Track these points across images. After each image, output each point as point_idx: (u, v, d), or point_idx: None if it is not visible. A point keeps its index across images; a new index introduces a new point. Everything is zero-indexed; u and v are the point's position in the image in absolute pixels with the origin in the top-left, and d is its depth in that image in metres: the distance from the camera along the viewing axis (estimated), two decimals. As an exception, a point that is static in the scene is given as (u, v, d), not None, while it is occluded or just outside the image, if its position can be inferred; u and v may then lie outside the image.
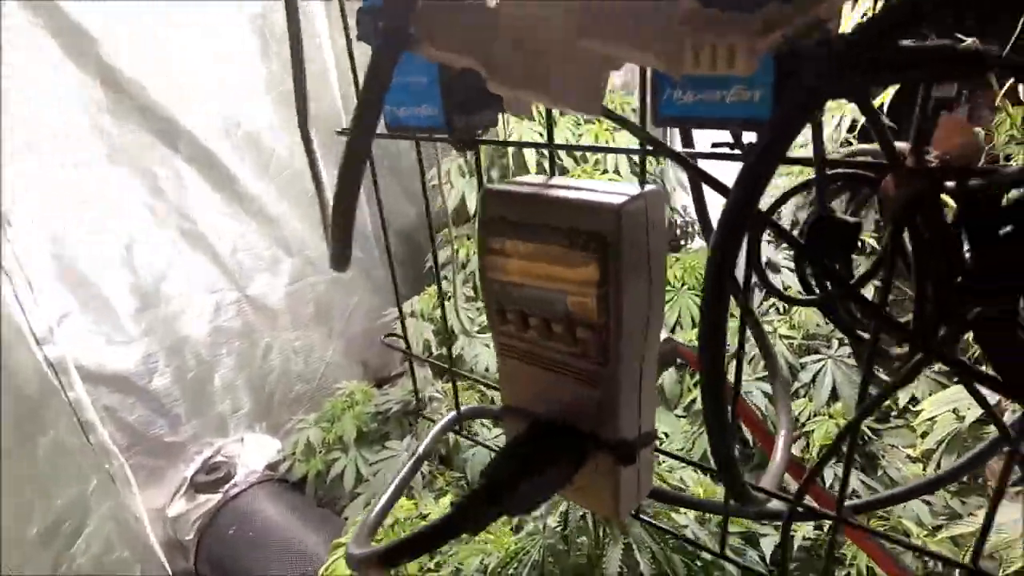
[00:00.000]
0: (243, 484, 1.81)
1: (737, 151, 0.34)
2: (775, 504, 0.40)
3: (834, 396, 1.54)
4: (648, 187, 0.36)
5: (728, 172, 0.30)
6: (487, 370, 1.94)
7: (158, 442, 1.79)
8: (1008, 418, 0.44)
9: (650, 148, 0.37)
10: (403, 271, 2.54)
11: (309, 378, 2.22)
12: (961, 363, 0.27)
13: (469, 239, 2.29)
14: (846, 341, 1.62)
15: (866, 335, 0.35)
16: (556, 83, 0.29)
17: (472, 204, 2.21)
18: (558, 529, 0.93)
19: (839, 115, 1.51)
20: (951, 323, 0.29)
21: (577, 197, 0.35)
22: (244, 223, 1.94)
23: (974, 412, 1.10)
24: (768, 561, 1.17)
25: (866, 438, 1.42)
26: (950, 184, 0.29)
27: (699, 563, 0.97)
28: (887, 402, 1.56)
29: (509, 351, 0.40)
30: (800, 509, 0.38)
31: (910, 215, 0.29)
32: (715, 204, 0.33)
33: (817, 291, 0.36)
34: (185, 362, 1.84)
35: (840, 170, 0.32)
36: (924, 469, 1.28)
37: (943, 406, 1.17)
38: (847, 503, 0.38)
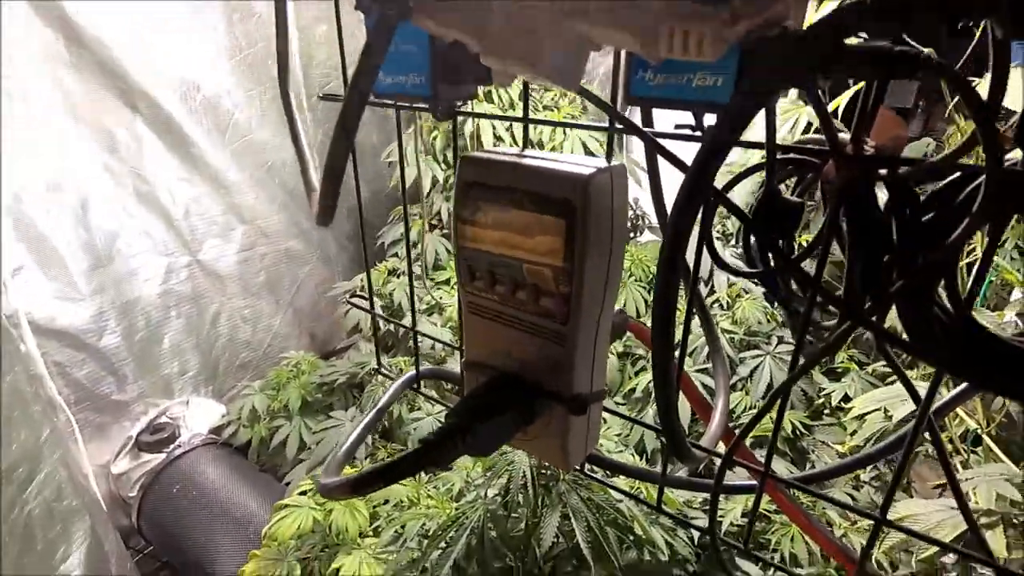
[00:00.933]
0: (187, 446, 1.80)
1: (698, 132, 0.37)
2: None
3: (770, 391, 1.63)
4: (614, 163, 0.39)
5: (688, 153, 0.33)
6: (433, 348, 1.96)
7: (105, 400, 1.77)
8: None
9: (618, 126, 0.40)
10: (355, 247, 2.52)
11: (256, 346, 2.19)
12: (881, 329, 0.32)
13: (421, 218, 2.29)
14: (785, 339, 1.71)
15: (802, 308, 0.40)
16: (545, 59, 0.32)
17: (427, 183, 2.21)
18: (498, 496, 0.97)
19: (795, 116, 1.60)
20: (877, 295, 0.33)
21: (548, 167, 0.38)
22: (198, 188, 1.91)
23: (904, 410, 1.19)
24: (696, 543, 1.24)
25: (798, 433, 1.52)
26: (883, 171, 0.33)
27: (631, 536, 1.03)
28: (820, 400, 1.67)
29: (475, 308, 0.43)
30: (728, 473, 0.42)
31: (846, 197, 0.33)
32: (670, 191, 0.36)
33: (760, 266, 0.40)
34: (135, 322, 1.81)
35: (789, 155, 0.35)
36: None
37: (872, 404, 1.26)
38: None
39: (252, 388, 1.87)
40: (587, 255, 0.36)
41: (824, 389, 1.64)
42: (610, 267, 0.38)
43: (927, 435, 0.37)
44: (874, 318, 0.33)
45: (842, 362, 1.68)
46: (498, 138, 2.07)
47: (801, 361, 0.39)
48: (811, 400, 1.66)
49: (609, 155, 0.40)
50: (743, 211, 0.36)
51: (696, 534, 1.27)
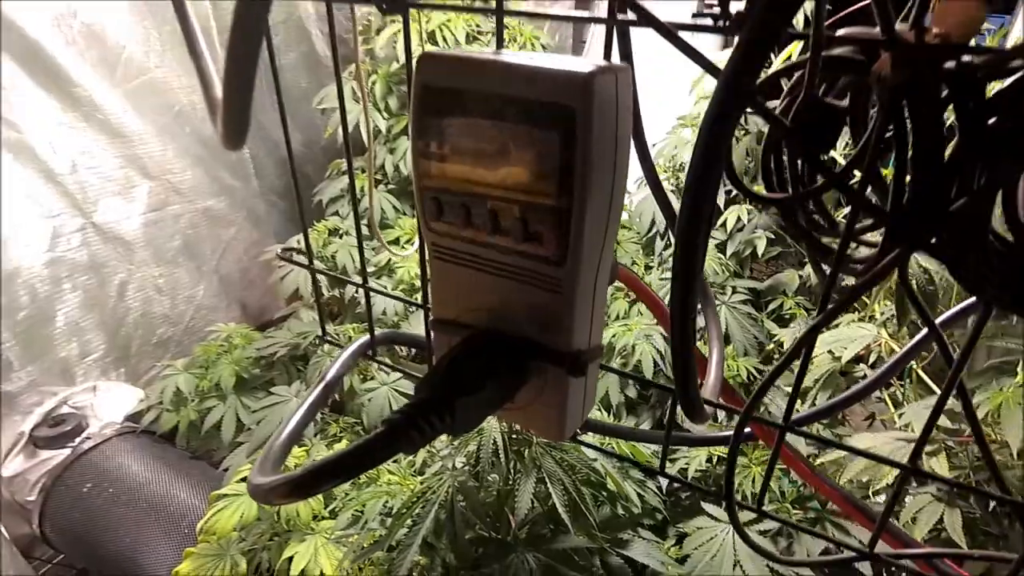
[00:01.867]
0: (98, 438, 1.61)
1: (721, 23, 0.29)
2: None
3: (726, 341, 1.64)
4: (617, 62, 0.31)
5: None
6: (384, 313, 1.86)
7: (-17, 392, 1.53)
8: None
9: (624, 18, 0.32)
10: (288, 205, 2.35)
11: (176, 320, 2.00)
12: (944, 253, 0.26)
13: (363, 172, 2.14)
14: (740, 288, 1.71)
15: (824, 239, 0.34)
16: None
17: (365, 133, 2.05)
18: (467, 467, 0.90)
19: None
20: (930, 214, 0.28)
21: (536, 65, 0.29)
22: (86, 136, 1.65)
23: (850, 352, 1.20)
24: (664, 492, 1.23)
25: (751, 377, 1.52)
26: (948, 65, 0.27)
27: (604, 492, 0.99)
28: (770, 346, 1.68)
29: (445, 253, 0.34)
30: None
31: (905, 97, 0.27)
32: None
33: (778, 189, 0.33)
34: (16, 298, 1.56)
35: (834, 51, 0.28)
36: (801, 405, 1.40)
37: (822, 347, 1.27)
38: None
39: (175, 368, 1.70)
40: (589, 176, 0.29)
41: (775, 335, 1.66)
42: (614, 191, 0.31)
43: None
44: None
45: (791, 308, 1.70)
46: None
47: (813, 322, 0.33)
48: (762, 346, 1.67)
49: (608, 53, 0.32)
50: (779, 118, 0.29)
51: (664, 483, 1.26)
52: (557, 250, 0.30)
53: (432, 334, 0.38)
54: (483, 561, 0.89)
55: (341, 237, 1.98)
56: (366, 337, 0.50)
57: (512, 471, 0.88)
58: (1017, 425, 0.84)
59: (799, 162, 0.32)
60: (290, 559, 1.14)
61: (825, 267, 0.32)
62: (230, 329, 1.80)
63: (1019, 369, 0.93)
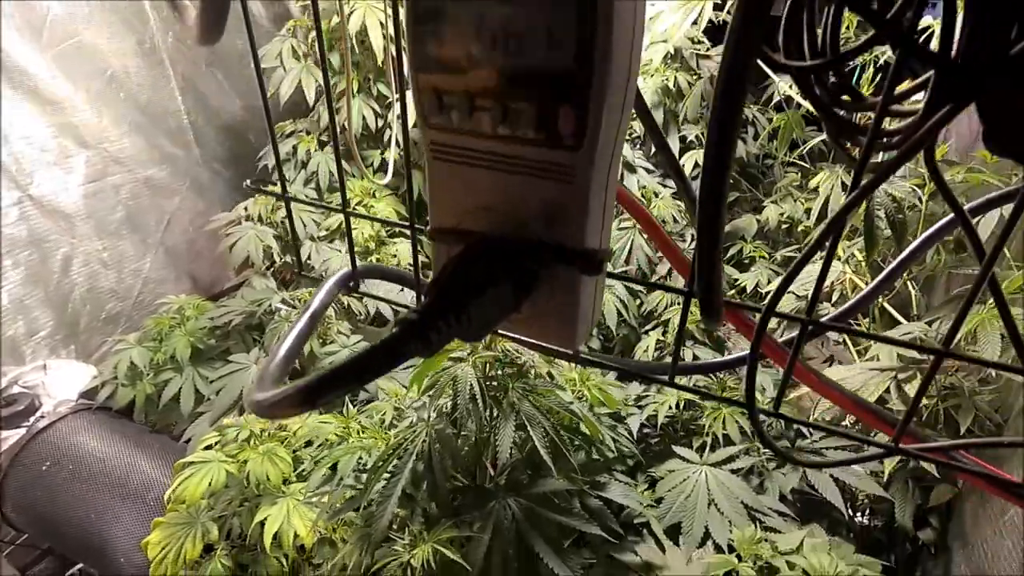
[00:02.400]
0: (53, 416, 1.54)
1: None
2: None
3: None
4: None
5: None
6: (326, 272, 1.80)
7: (-75, 375, 1.44)
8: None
9: None
10: (232, 173, 2.24)
11: (124, 294, 1.90)
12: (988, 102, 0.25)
13: (308, 134, 2.06)
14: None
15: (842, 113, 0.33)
16: None
17: (311, 93, 1.97)
18: (444, 416, 0.89)
19: (697, 6, 1.54)
20: (987, 61, 0.26)
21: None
22: (13, 104, 1.54)
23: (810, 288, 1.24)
24: (634, 436, 1.25)
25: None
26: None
27: (579, 438, 1.00)
28: (731, 292, 1.72)
29: (445, 152, 0.32)
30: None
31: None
32: None
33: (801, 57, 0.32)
34: None
35: None
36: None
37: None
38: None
39: (127, 342, 1.62)
40: (610, 41, 0.26)
41: (736, 280, 1.70)
42: (632, 61, 0.29)
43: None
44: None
45: (750, 253, 1.74)
46: (388, 40, 1.86)
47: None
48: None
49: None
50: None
51: (635, 428, 1.28)
52: (574, 131, 0.28)
53: (433, 245, 0.36)
54: (463, 509, 0.88)
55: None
56: (347, 269, 0.47)
57: (490, 417, 0.87)
58: (995, 342, 0.88)
59: (825, 25, 0.30)
60: (262, 523, 1.11)
61: (848, 143, 0.31)
62: (182, 301, 1.72)
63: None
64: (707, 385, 1.34)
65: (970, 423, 1.01)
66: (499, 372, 0.88)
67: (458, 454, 0.86)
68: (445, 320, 0.28)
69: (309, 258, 1.86)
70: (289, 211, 0.48)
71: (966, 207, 0.31)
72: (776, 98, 1.78)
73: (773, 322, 0.43)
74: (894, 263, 0.39)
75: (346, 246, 1.84)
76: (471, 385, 0.83)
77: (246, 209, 1.88)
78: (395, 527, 0.90)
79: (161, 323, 1.65)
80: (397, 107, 1.85)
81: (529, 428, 0.83)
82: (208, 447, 1.24)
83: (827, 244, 0.32)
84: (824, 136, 1.71)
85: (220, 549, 1.18)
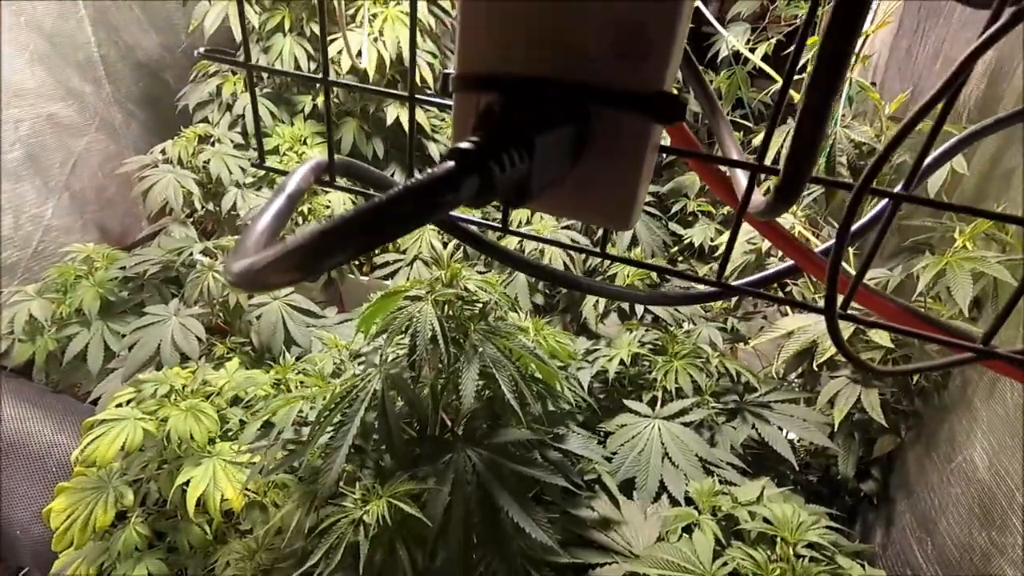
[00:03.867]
0: (-67, 375, 1.33)
1: None
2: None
3: (635, 243, 1.65)
4: None
5: None
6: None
7: None
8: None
9: None
10: (148, 113, 2.03)
11: (21, 243, 1.68)
12: None
13: (234, 74, 1.87)
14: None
15: None
16: None
17: (238, 30, 1.78)
18: (399, 359, 0.82)
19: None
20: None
21: None
22: None
23: (768, 242, 1.24)
24: (587, 391, 1.22)
25: (663, 279, 1.55)
26: None
27: (540, 385, 0.95)
28: (675, 248, 1.72)
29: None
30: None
31: None
32: None
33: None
34: None
35: None
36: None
37: (740, 237, 1.30)
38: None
39: (25, 293, 1.43)
40: None
41: (681, 236, 1.70)
42: None
43: None
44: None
45: (693, 209, 1.74)
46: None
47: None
48: (667, 247, 1.71)
49: None
50: None
51: (585, 382, 1.25)
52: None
53: (457, 99, 0.28)
54: (421, 461, 0.82)
55: (214, 145, 1.74)
56: (319, 157, 0.39)
57: (449, 362, 0.81)
58: (966, 284, 0.89)
59: None
60: (184, 486, 1.00)
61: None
62: (89, 250, 1.53)
63: (956, 235, 0.99)
64: (658, 340, 1.33)
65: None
66: (460, 312, 0.82)
67: (416, 401, 0.79)
68: (508, 152, 0.21)
69: (235, 206, 1.70)
70: (251, 80, 0.39)
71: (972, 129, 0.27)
72: (724, 54, 1.78)
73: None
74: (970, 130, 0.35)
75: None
76: (432, 325, 0.76)
77: (164, 152, 1.69)
78: (343, 483, 0.82)
79: (66, 273, 1.46)
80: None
81: (495, 372, 0.77)
82: (121, 404, 1.11)
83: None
84: (765, 93, 1.73)
85: (135, 516, 1.06)
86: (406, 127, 1.78)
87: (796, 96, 1.52)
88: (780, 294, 1.36)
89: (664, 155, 0.31)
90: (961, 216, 1.10)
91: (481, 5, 0.26)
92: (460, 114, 0.29)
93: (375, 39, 1.71)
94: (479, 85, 0.27)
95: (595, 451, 0.98)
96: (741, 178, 0.37)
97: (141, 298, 1.51)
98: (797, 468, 1.20)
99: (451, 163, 0.20)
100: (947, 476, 1.05)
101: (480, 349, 0.78)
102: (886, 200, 0.32)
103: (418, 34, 1.79)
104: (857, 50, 1.32)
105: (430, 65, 1.79)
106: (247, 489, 0.99)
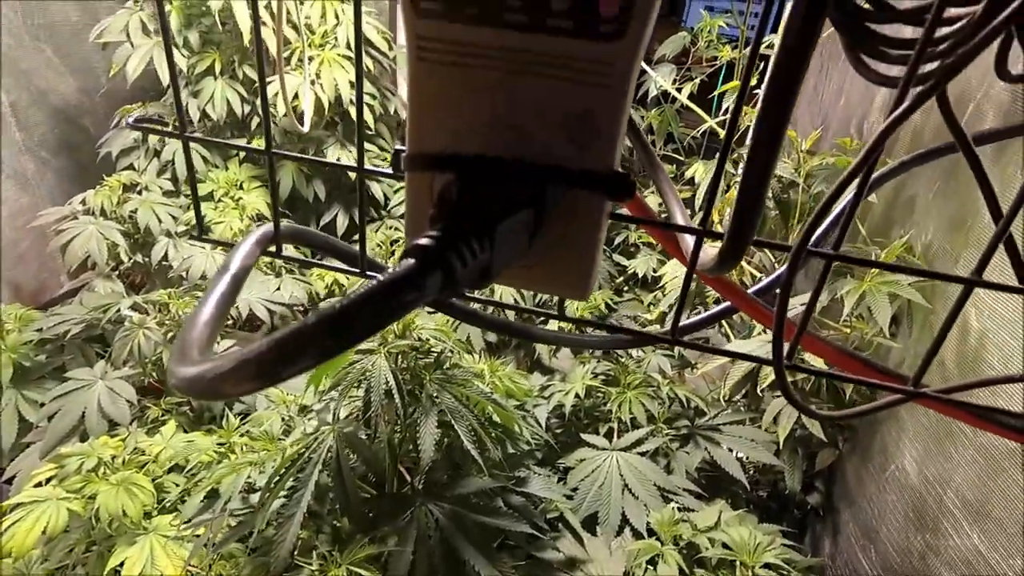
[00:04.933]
0: None
1: None
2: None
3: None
4: None
5: None
6: (204, 277, 1.60)
7: None
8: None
9: None
10: (65, 162, 1.92)
11: (-84, 306, 1.54)
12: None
13: (161, 119, 1.81)
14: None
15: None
16: None
17: (164, 73, 1.72)
18: (353, 416, 0.79)
19: None
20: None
21: None
22: None
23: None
24: (545, 427, 1.22)
25: (610, 306, 1.58)
26: None
27: (499, 429, 0.94)
28: (620, 279, 1.75)
29: (437, 50, 0.25)
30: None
31: None
32: None
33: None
34: None
35: None
36: (662, 326, 1.48)
37: (681, 267, 1.34)
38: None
39: (-76, 363, 1.31)
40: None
41: (624, 267, 1.74)
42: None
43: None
44: None
45: (635, 240, 1.79)
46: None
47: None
48: (613, 278, 1.75)
49: None
50: None
51: (543, 419, 1.25)
52: (618, 13, 0.22)
53: (408, 179, 0.28)
54: (380, 521, 0.79)
55: (141, 193, 1.66)
56: (268, 226, 0.38)
57: (406, 414, 0.79)
58: (885, 305, 0.95)
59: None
60: (118, 569, 0.93)
61: (869, 59, 0.29)
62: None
63: (873, 259, 1.05)
64: (610, 371, 1.35)
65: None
66: (414, 363, 0.80)
67: (372, 459, 0.76)
68: (469, 245, 0.21)
69: (166, 256, 1.63)
70: (187, 149, 0.37)
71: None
72: (652, 93, 1.86)
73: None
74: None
75: (208, 246, 1.64)
76: (386, 378, 0.74)
77: (84, 202, 1.60)
78: (297, 552, 0.78)
79: (-30, 338, 1.34)
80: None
81: (453, 422, 0.76)
82: (41, 484, 1.02)
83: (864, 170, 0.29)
84: (696, 131, 1.81)
85: (63, 607, 0.97)
86: (346, 169, 1.76)
87: (722, 133, 1.60)
88: (727, 337, 1.41)
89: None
90: (875, 241, 1.18)
91: (432, 86, 0.26)
92: (414, 192, 0.29)
93: (312, 82, 1.69)
94: (433, 165, 0.27)
95: (557, 490, 0.97)
96: (687, 236, 0.38)
97: (61, 361, 1.40)
98: (748, 487, 1.23)
99: (412, 261, 0.20)
100: (883, 485, 1.11)
101: (437, 399, 0.77)
102: (783, 269, 0.34)
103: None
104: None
105: (369, 107, 1.78)
106: (191, 566, 0.92)
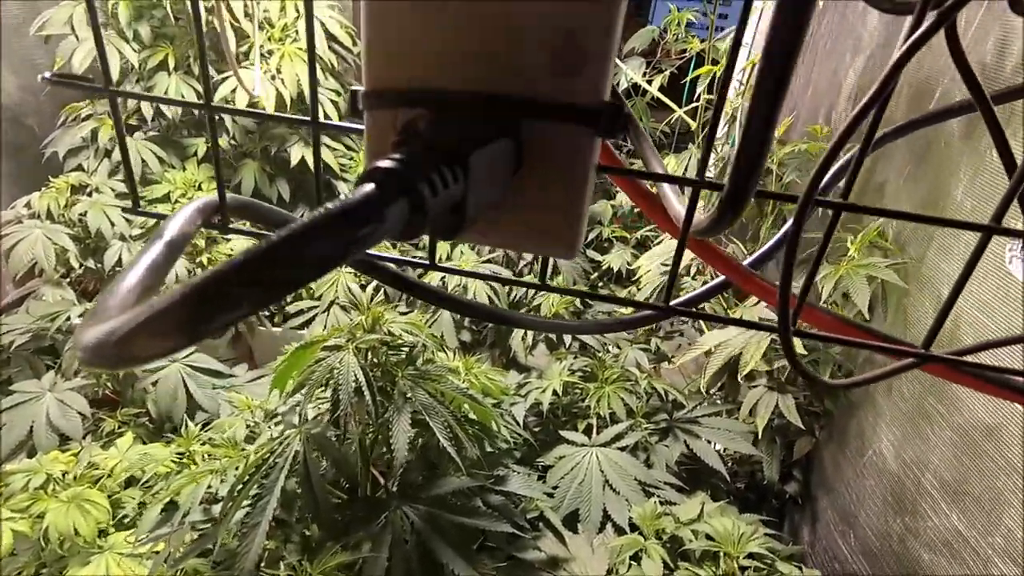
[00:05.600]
0: None
1: None
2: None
3: (556, 272, 1.65)
4: None
5: None
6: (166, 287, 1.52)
7: None
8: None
9: None
10: (7, 163, 1.82)
11: None
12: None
13: (109, 117, 1.73)
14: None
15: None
16: None
17: (116, 66, 1.64)
18: (321, 416, 0.75)
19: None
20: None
21: None
22: None
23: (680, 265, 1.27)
24: (523, 425, 1.18)
25: (585, 305, 1.55)
26: None
27: (475, 426, 0.91)
28: (594, 275, 1.73)
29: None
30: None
31: None
32: None
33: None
34: None
35: None
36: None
37: (651, 261, 1.32)
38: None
39: None
40: None
41: (598, 262, 1.72)
42: None
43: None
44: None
45: (608, 235, 1.78)
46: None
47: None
48: (588, 274, 1.73)
49: None
50: None
51: (520, 417, 1.22)
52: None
53: (368, 118, 0.25)
54: (353, 526, 0.75)
55: (91, 195, 1.58)
56: (209, 196, 0.34)
57: (377, 413, 0.75)
58: (864, 288, 0.94)
59: None
60: (73, 590, 0.86)
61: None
62: (-67, 320, 1.33)
63: (849, 244, 1.04)
64: (587, 367, 1.32)
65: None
66: (385, 359, 0.76)
67: (342, 461, 0.72)
68: (439, 170, 0.17)
69: (120, 262, 1.55)
70: (114, 105, 0.33)
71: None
72: (623, 86, 1.85)
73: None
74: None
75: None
76: (355, 376, 0.70)
77: (29, 205, 1.52)
78: (264, 564, 0.73)
79: (-95, 352, 1.25)
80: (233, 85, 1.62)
81: (429, 420, 0.72)
82: (-15, 503, 0.95)
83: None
84: (663, 124, 1.81)
85: (10, 634, 0.90)
86: (299, 124, 1.70)
87: (693, 124, 1.59)
88: (700, 331, 1.39)
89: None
90: (848, 227, 1.18)
91: (390, 8, 0.23)
92: (375, 137, 0.25)
93: (272, 77, 1.64)
94: (398, 101, 0.24)
95: (537, 488, 0.94)
96: (672, 198, 0.35)
97: (7, 374, 1.32)
98: (729, 479, 1.21)
99: (370, 186, 0.16)
100: (860, 470, 1.10)
101: (410, 396, 0.73)
102: (789, 224, 0.32)
103: (320, 71, 1.73)
104: (746, 79, 1.41)
105: (334, 103, 1.73)
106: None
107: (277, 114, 0.33)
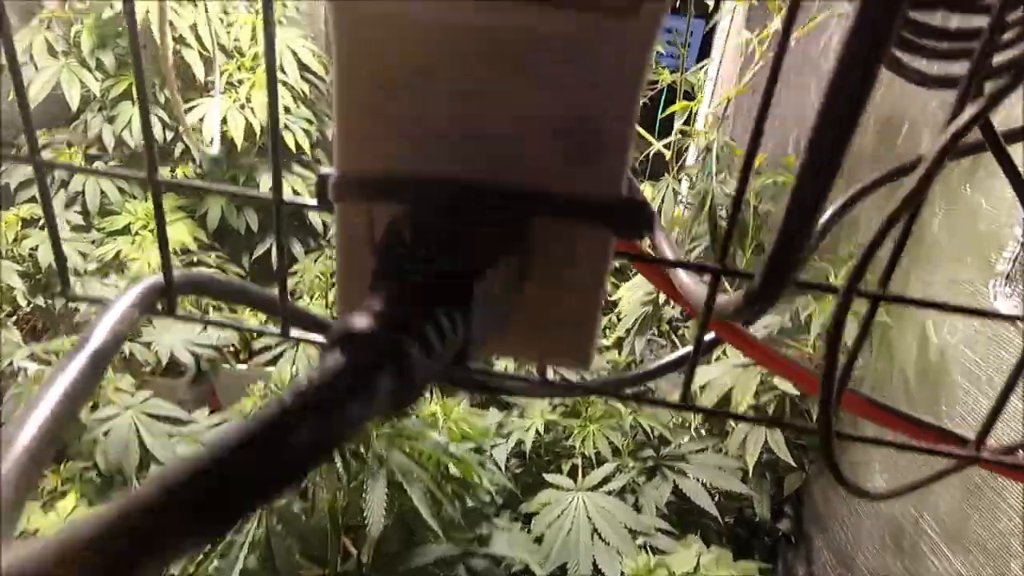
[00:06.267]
0: None
1: None
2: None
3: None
4: None
5: None
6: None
7: None
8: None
9: None
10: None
11: None
12: None
13: (71, 147, 1.65)
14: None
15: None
16: None
17: (75, 97, 1.57)
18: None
19: None
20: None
21: None
22: None
23: (662, 296, 1.24)
24: (504, 468, 1.13)
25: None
26: None
27: (455, 482, 0.85)
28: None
29: (373, 28, 0.18)
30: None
31: None
32: None
33: None
34: None
35: None
36: (620, 354, 1.42)
37: (632, 292, 1.29)
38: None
39: None
40: None
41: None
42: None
43: None
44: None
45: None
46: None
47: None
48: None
49: None
50: None
51: (502, 459, 1.16)
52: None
53: (338, 213, 0.20)
54: (324, 603, 0.68)
55: (41, 229, 1.50)
56: (156, 277, 0.29)
57: (349, 478, 0.69)
58: (851, 325, 0.92)
59: None
60: None
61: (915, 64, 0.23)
62: None
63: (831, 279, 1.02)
64: (572, 401, 1.28)
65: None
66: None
67: (310, 535, 0.66)
68: (436, 320, 0.13)
69: (69, 304, 1.46)
70: (42, 183, 0.28)
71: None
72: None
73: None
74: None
75: (123, 281, 1.50)
76: (327, 440, 0.64)
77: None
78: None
79: None
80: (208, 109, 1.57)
81: (406, 485, 0.66)
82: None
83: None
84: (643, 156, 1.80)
85: None
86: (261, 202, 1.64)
87: (667, 154, 1.57)
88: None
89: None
90: (824, 258, 1.16)
91: (373, 86, 0.18)
92: (347, 231, 0.21)
93: (242, 106, 1.58)
94: (374, 192, 0.20)
95: (522, 544, 0.88)
96: (683, 276, 0.31)
97: (-54, 425, 1.22)
98: (721, 520, 1.17)
99: (340, 359, 0.12)
100: (855, 508, 1.07)
101: (385, 458, 0.67)
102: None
103: (291, 99, 1.68)
104: (721, 112, 1.40)
105: (306, 132, 1.68)
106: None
107: (233, 188, 0.28)
